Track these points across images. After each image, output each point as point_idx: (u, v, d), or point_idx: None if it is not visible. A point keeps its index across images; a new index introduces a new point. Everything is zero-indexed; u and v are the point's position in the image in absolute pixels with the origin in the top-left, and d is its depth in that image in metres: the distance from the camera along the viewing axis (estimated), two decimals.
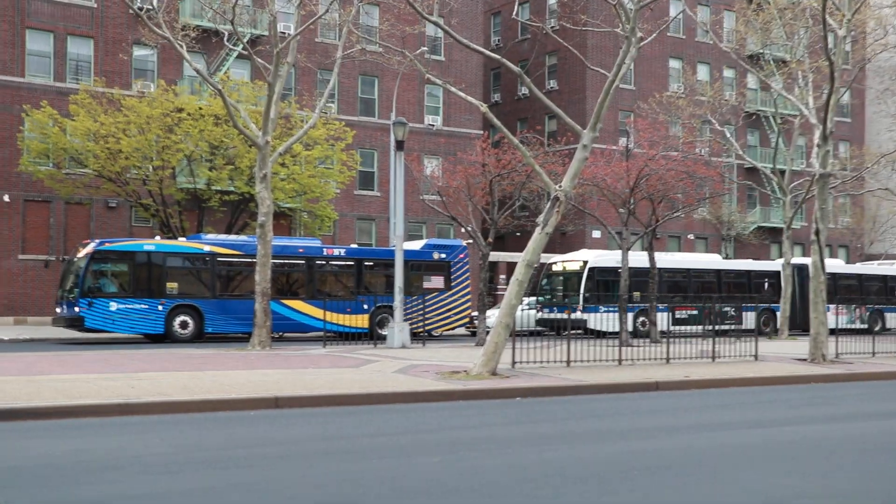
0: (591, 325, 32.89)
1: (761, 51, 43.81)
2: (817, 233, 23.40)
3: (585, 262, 37.07)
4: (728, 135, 41.12)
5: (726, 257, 55.88)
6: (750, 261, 48.62)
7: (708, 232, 58.30)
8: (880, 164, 40.52)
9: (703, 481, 8.55)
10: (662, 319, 31.23)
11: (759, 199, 59.79)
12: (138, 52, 43.58)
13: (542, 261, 45.50)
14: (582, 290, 35.92)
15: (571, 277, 37.04)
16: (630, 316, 32.09)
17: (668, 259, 35.28)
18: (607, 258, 38.18)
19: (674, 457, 9.83)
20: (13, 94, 41.00)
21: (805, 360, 22.89)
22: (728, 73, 59.05)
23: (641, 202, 30.88)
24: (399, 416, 13.11)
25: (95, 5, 42.72)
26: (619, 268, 37.85)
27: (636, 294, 35.19)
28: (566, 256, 38.12)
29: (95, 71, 42.41)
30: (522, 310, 23.51)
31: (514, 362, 18.76)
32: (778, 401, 15.83)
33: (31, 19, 41.58)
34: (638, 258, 37.91)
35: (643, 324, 34.57)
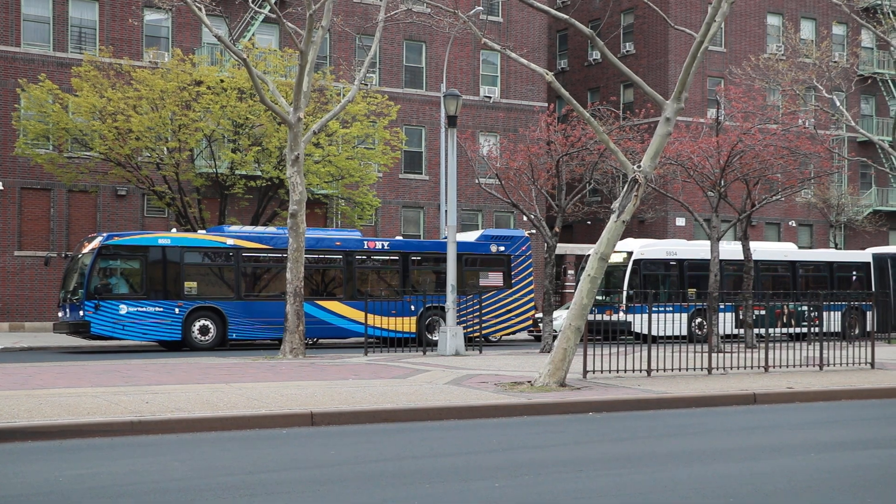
0: (636, 328, 31.88)
1: (879, 2, 43.24)
2: None
3: (630, 254, 36.60)
4: (838, 103, 40.62)
5: (836, 246, 55.28)
6: (832, 251, 48.04)
7: (813, 218, 57.63)
8: None
9: None
10: (724, 321, 30.88)
11: (876, 178, 58.98)
12: (150, 16, 43.97)
13: (578, 253, 45.28)
14: (626, 287, 35.59)
15: (613, 272, 35.96)
16: (685, 317, 31.73)
17: (733, 249, 34.79)
18: (656, 249, 37.85)
19: (776, 482, 9.74)
20: (7, 66, 41.54)
21: None
22: (838, 29, 58.30)
23: (734, 184, 30.62)
24: (453, 435, 13.14)
25: None
26: (671, 260, 37.64)
27: (691, 291, 34.82)
28: None
29: (101, 39, 42.84)
30: None
31: (585, 371, 18.70)
32: None
33: None
34: (693, 249, 37.61)
35: (700, 326, 34.31)
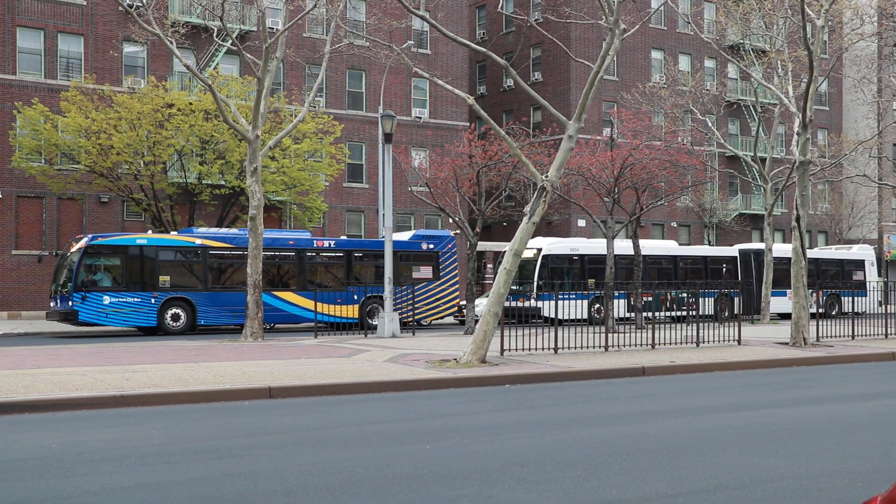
0: (545, 313, 31.79)
1: (741, 41, 43.90)
2: (798, 219, 23.45)
3: (539, 250, 36.61)
4: (709, 124, 41.18)
5: (709, 243, 56.02)
6: (706, 247, 48.63)
7: (691, 220, 58.39)
8: (858, 151, 40.69)
9: (689, 464, 8.58)
10: (619, 306, 31.07)
11: (741, 186, 59.93)
12: (128, 48, 43.36)
13: (496, 249, 45.59)
14: (536, 278, 35.68)
15: (526, 265, 35.85)
16: (586, 303, 31.93)
17: (625, 246, 35.10)
18: (561, 246, 38.02)
19: (661, 440, 9.85)
20: (4, 91, 40.75)
21: (787, 343, 22.97)
22: (709, 63, 59.11)
23: (626, 191, 30.89)
24: (391, 405, 13.12)
25: (85, 3, 42.45)
26: (574, 255, 37.91)
27: (591, 281, 35.08)
28: None
29: (86, 68, 42.18)
30: None
31: (502, 350, 18.77)
32: (761, 384, 15.89)
33: (21, 17, 41.30)
34: (592, 245, 37.92)
35: (598, 311, 34.60)
